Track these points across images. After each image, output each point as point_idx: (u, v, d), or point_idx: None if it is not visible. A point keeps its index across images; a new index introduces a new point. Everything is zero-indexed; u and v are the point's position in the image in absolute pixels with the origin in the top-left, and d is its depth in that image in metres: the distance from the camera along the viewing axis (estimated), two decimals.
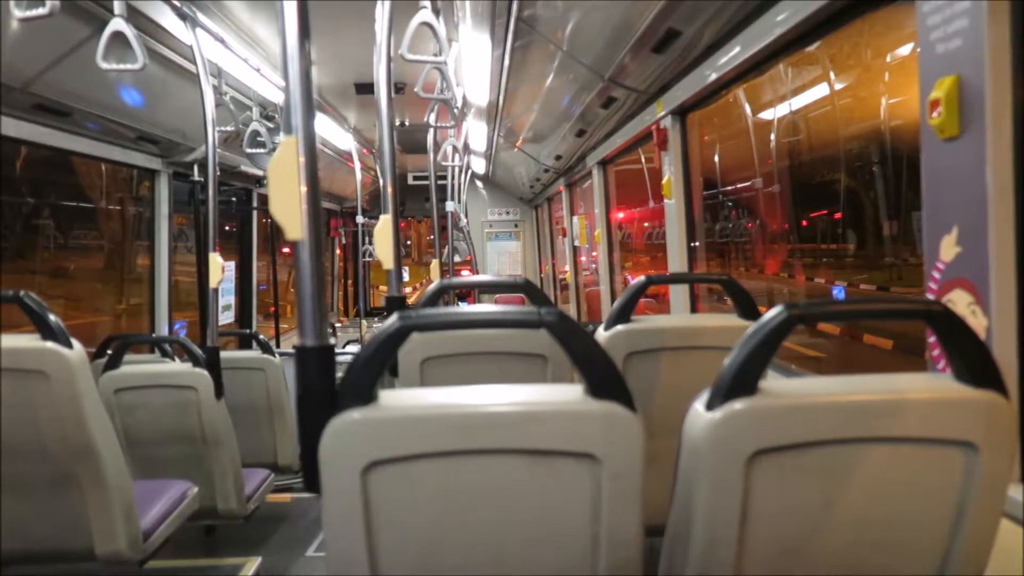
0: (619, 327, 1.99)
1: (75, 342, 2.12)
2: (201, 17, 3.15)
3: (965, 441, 1.14)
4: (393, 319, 1.18)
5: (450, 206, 5.89)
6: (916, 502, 1.18)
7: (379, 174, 3.13)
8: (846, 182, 2.86)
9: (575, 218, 6.91)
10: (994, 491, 1.15)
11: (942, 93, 1.33)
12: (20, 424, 2.12)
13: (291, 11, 1.22)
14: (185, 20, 3.05)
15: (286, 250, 7.17)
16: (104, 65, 2.56)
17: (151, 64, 2.78)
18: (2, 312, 2.18)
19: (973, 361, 1.15)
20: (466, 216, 8.12)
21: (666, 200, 3.51)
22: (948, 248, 1.37)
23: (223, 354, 3.46)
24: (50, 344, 2.06)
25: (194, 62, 3.21)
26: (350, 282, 11.10)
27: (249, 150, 4.38)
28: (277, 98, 4.52)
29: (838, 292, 2.95)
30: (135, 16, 2.77)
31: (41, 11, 2.14)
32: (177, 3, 2.92)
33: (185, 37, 3.15)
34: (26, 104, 3.14)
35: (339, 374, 1.22)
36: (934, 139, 1.39)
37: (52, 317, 2.07)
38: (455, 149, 5.02)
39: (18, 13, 2.17)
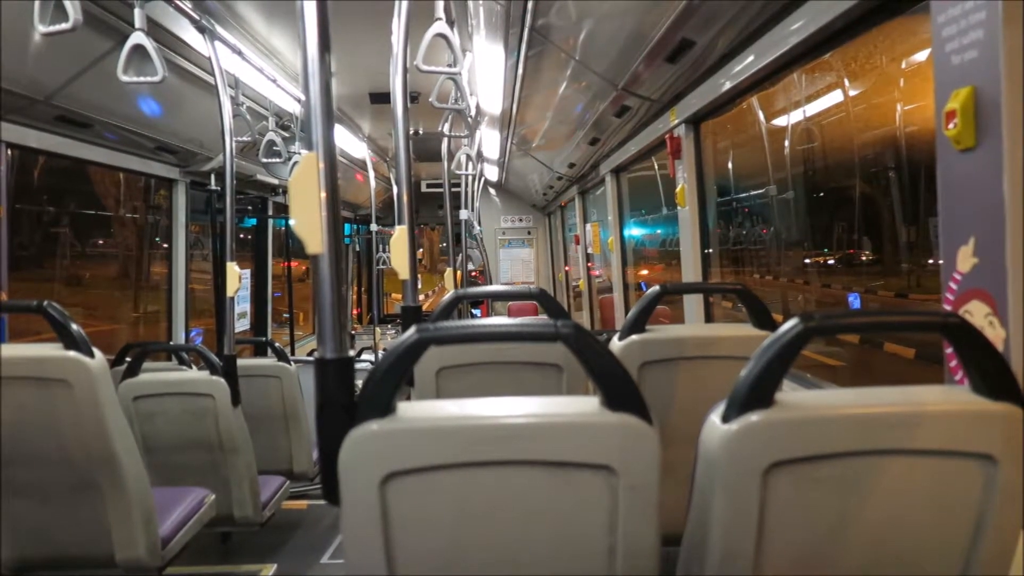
0: (633, 337, 1.99)
1: (96, 351, 2.15)
2: (219, 29, 3.19)
3: (983, 453, 1.13)
4: (411, 332, 1.19)
5: (464, 214, 5.90)
6: (934, 515, 1.17)
7: (393, 183, 3.15)
8: None
9: (588, 225, 6.91)
10: (1014, 503, 1.14)
11: (958, 104, 1.33)
12: (42, 432, 2.16)
13: (311, 26, 1.24)
14: (203, 32, 3.10)
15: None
16: (124, 78, 2.60)
17: (170, 76, 2.82)
18: (20, 320, 2.21)
19: (990, 373, 1.14)
20: (479, 224, 8.14)
21: (680, 208, 3.51)
22: (965, 259, 1.37)
23: (239, 362, 3.49)
24: (72, 353, 2.10)
25: (212, 73, 3.26)
26: (364, 289, 11.16)
27: (265, 159, 4.43)
28: (293, 108, 4.56)
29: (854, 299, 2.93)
30: (154, 29, 2.81)
31: (64, 26, 2.19)
32: (195, 16, 2.96)
33: (203, 49, 3.19)
34: (48, 116, 3.20)
35: (357, 381, 1.23)
36: (950, 150, 1.39)
37: (74, 326, 2.10)
38: (468, 157, 5.04)
39: (42, 28, 2.21)
